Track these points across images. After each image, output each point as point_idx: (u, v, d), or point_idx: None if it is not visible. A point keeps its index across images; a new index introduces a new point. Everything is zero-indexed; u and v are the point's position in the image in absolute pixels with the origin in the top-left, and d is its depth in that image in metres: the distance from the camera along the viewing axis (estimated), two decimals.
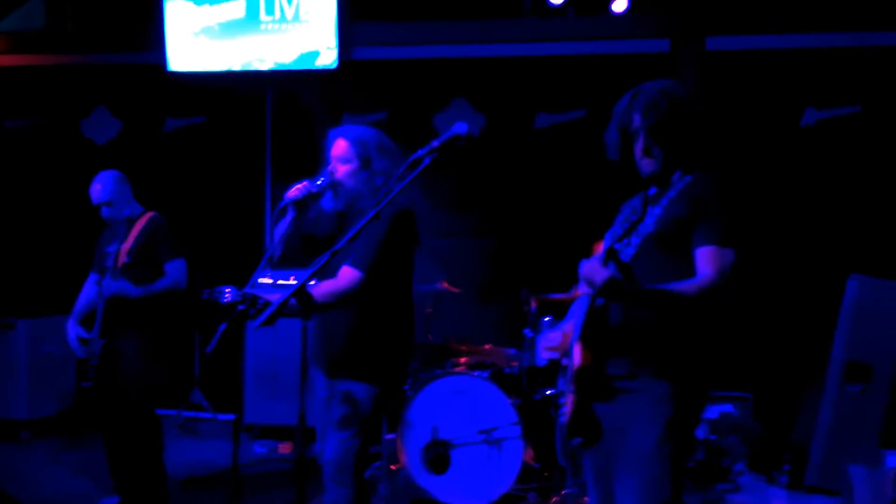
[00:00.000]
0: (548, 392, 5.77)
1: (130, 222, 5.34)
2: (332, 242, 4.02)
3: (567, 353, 3.27)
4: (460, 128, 3.20)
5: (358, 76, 7.56)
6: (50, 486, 6.01)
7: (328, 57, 7.40)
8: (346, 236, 3.31)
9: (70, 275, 5.67)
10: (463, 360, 6.02)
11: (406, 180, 3.24)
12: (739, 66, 7.01)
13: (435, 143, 3.23)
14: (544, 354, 3.35)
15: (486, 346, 6.17)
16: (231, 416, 7.60)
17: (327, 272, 3.79)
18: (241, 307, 3.56)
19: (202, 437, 7.48)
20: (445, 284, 6.24)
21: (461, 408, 5.57)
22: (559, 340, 3.29)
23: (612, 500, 3.13)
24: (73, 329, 5.38)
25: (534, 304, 5.86)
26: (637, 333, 3.02)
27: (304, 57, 7.47)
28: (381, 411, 3.98)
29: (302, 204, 3.93)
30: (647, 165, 3.19)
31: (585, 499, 5.33)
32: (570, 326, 3.34)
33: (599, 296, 2.96)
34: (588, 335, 3.04)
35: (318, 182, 3.94)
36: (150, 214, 5.35)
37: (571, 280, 5.87)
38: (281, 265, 6.45)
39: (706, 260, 2.96)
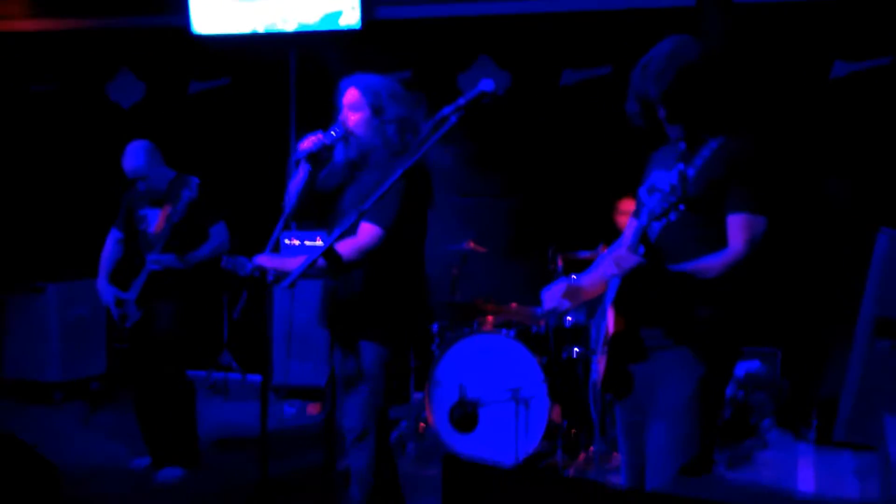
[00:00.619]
0: (574, 350, 5.77)
1: (168, 189, 5.35)
2: (341, 193, 3.99)
3: (582, 308, 3.30)
4: (487, 85, 3.17)
5: (381, 36, 7.51)
6: (83, 448, 6.09)
7: (351, 17, 7.36)
8: (373, 196, 3.29)
9: (98, 238, 5.69)
10: (490, 319, 6.03)
11: (433, 138, 3.22)
12: (766, 19, 6.91)
13: (461, 101, 3.20)
14: (546, 304, 3.35)
15: (513, 305, 6.17)
16: (259, 377, 7.65)
17: (337, 225, 3.73)
18: (255, 275, 3.58)
19: (231, 398, 7.55)
20: (472, 244, 6.24)
21: (488, 367, 5.59)
22: (562, 290, 3.27)
23: (642, 454, 3.15)
24: (107, 290, 5.40)
25: (560, 263, 5.86)
26: (668, 305, 3.02)
27: (327, 17, 7.44)
28: (392, 373, 3.92)
29: (316, 157, 3.88)
30: (673, 131, 3.18)
31: (614, 454, 5.36)
32: (587, 280, 3.34)
33: (627, 280, 2.96)
34: (621, 303, 3.05)
35: (332, 133, 3.88)
36: (186, 178, 5.24)
37: (597, 238, 5.88)
38: (297, 221, 6.43)
39: (738, 228, 2.97)
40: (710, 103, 3.10)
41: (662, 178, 3.15)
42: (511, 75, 7.49)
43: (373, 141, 3.92)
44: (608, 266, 3.02)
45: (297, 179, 3.96)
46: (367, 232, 3.76)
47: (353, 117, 3.92)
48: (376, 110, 3.91)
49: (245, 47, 7.88)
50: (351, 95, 3.95)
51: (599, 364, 3.18)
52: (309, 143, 3.87)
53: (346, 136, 3.91)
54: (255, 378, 7.78)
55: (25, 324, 7.37)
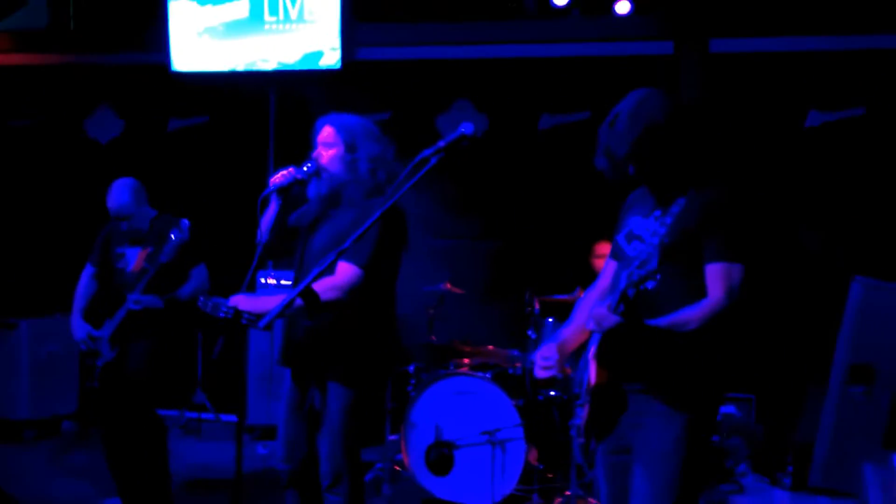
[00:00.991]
0: (551, 393, 5.77)
1: (150, 228, 5.32)
2: (314, 231, 3.99)
3: (568, 360, 3.29)
4: (467, 128, 3.18)
5: (361, 77, 7.55)
6: (52, 487, 6.00)
7: (332, 57, 7.40)
8: (352, 236, 3.28)
9: (72, 274, 5.65)
10: (466, 360, 6.02)
11: (412, 180, 3.22)
12: (743, 69, 7.01)
13: (441, 144, 3.20)
14: (541, 373, 3.31)
15: (490, 347, 6.17)
16: (233, 417, 7.59)
17: (312, 263, 3.74)
18: (229, 316, 3.57)
19: (204, 437, 7.48)
20: (449, 285, 6.24)
21: (464, 409, 5.57)
22: (556, 358, 3.25)
23: (623, 495, 3.13)
24: (82, 327, 5.30)
25: (537, 306, 5.86)
26: (649, 359, 3.02)
27: (307, 57, 7.48)
28: (360, 415, 3.88)
29: (287, 191, 3.91)
30: (646, 185, 3.18)
31: (590, 500, 5.34)
32: (568, 333, 3.33)
33: (608, 337, 2.97)
34: (603, 357, 3.05)
35: (304, 168, 3.91)
36: (170, 218, 5.20)
37: (574, 281, 5.90)
38: (271, 258, 6.41)
39: (716, 278, 2.97)
40: (679, 162, 3.09)
41: (640, 224, 3.16)
42: (489, 119, 7.54)
43: (344, 176, 3.94)
44: (588, 322, 3.02)
45: (269, 215, 3.99)
46: (346, 271, 3.76)
47: (326, 154, 3.96)
48: (349, 147, 3.94)
49: (225, 85, 7.91)
50: (326, 133, 3.99)
51: (584, 410, 3.18)
52: (279, 177, 3.91)
53: (319, 171, 3.94)
54: (229, 418, 7.71)
55: None
